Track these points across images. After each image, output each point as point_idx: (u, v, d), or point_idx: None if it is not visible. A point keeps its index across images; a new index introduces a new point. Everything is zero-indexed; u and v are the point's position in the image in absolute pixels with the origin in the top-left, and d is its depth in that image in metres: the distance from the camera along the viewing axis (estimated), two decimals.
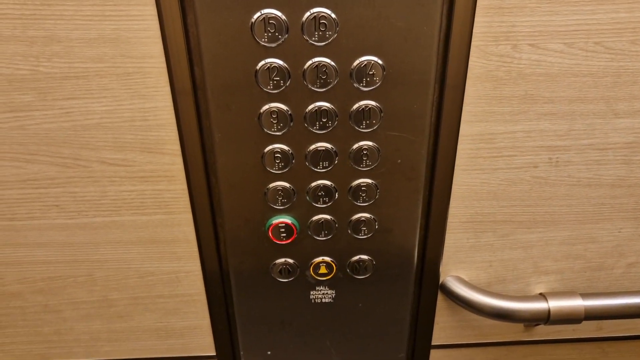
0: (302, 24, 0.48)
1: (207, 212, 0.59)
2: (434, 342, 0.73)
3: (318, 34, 0.48)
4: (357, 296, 0.67)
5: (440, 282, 0.67)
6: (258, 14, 0.47)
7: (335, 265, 0.64)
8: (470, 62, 0.52)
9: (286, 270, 0.64)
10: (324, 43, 0.49)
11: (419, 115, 0.53)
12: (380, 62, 0.50)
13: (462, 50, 0.51)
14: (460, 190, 0.60)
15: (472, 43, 0.51)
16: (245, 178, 0.57)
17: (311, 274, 0.64)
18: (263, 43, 0.48)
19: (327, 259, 0.63)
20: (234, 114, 0.53)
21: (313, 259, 0.63)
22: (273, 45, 0.49)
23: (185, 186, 0.57)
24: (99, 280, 0.65)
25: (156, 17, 0.48)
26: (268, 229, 0.60)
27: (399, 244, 0.62)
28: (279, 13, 0.47)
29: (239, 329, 0.69)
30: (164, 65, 0.51)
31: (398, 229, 0.61)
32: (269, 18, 0.47)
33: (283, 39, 0.48)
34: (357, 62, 0.50)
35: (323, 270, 0.64)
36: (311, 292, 0.66)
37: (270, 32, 0.48)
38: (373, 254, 0.63)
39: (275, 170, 0.56)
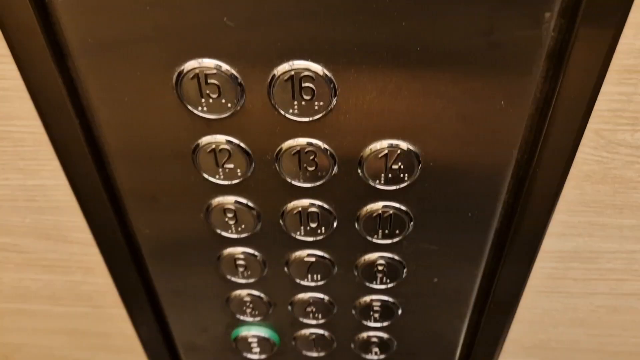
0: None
1: (147, 312, 0.40)
2: None
3: (300, 106, 0.26)
4: None
5: None
6: (184, 66, 0.25)
7: None
8: (578, 154, 0.28)
9: None
10: (316, 117, 0.26)
11: (476, 225, 0.31)
12: (413, 149, 0.27)
13: (568, 135, 0.27)
14: (530, 314, 0.38)
15: (589, 125, 0.27)
16: (194, 285, 0.37)
17: None
18: (201, 108, 0.26)
19: None
20: (163, 207, 0.32)
21: None
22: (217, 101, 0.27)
23: (109, 279, 0.38)
24: None
25: (11, 59, 0.26)
26: (235, 339, 0.41)
27: None
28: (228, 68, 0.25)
29: None
30: (42, 129, 0.29)
31: (427, 353, 0.41)
32: (205, 71, 0.25)
33: (238, 106, 0.26)
34: (368, 149, 0.28)
35: None
36: None
37: (212, 89, 0.26)
38: None
39: (239, 279, 0.36)
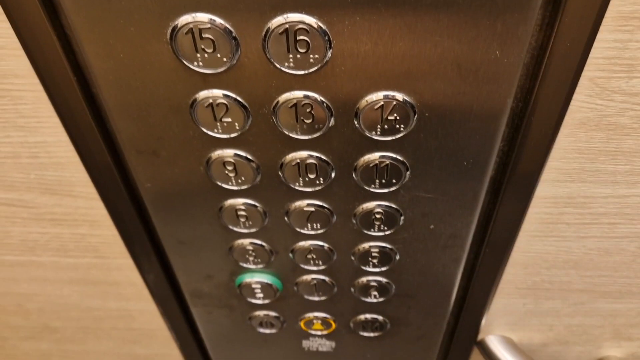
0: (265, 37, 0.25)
1: (153, 261, 0.41)
2: None
3: (295, 59, 0.26)
4: (365, 350, 0.50)
5: (479, 339, 0.49)
6: (178, 21, 0.25)
7: (335, 323, 0.47)
8: (573, 102, 0.28)
9: (268, 324, 0.47)
10: (312, 70, 0.27)
11: (471, 173, 0.32)
12: (408, 100, 0.28)
13: (563, 83, 0.28)
14: (524, 258, 0.39)
15: (584, 73, 0.27)
16: (198, 235, 0.38)
17: (302, 328, 0.48)
18: (197, 63, 0.27)
19: (323, 315, 0.46)
20: (164, 161, 0.32)
21: (303, 314, 0.46)
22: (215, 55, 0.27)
23: (115, 231, 0.39)
24: (33, 311, 0.50)
25: (4, 17, 0.26)
26: (239, 285, 0.42)
27: (425, 309, 0.44)
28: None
29: None
30: (40, 87, 0.30)
31: (424, 296, 0.42)
32: (199, 25, 0.25)
33: (234, 60, 0.26)
34: (364, 101, 0.28)
35: (318, 326, 0.47)
36: (303, 341, 0.50)
37: (207, 44, 0.26)
38: (387, 316, 0.45)
39: (240, 228, 0.37)
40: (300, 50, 0.26)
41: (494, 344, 0.49)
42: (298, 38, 0.25)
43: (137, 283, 0.45)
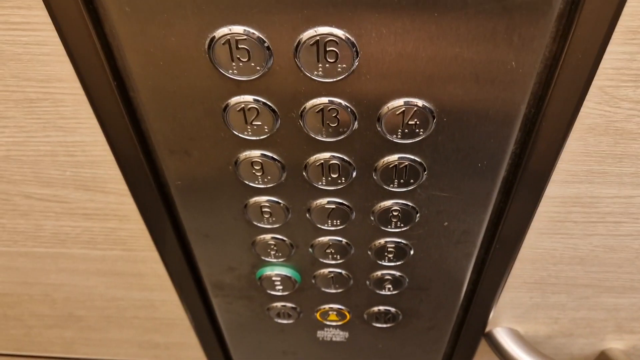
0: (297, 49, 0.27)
1: (178, 254, 0.44)
2: None
3: (324, 68, 0.28)
4: (377, 340, 0.53)
5: (486, 330, 0.52)
6: (215, 33, 0.27)
7: (350, 314, 0.49)
8: (583, 109, 0.30)
9: (285, 314, 0.49)
10: (339, 78, 0.28)
11: (485, 174, 0.34)
12: (428, 106, 0.30)
13: (574, 91, 0.29)
14: (533, 254, 0.41)
15: (594, 82, 0.29)
16: (223, 230, 0.40)
17: (318, 319, 0.50)
18: (232, 71, 0.29)
19: (339, 307, 0.48)
20: (195, 161, 0.34)
21: (319, 306, 0.48)
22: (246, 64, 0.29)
23: (142, 225, 0.41)
24: (59, 300, 0.52)
25: (51, 26, 0.28)
26: (260, 277, 0.45)
27: (436, 301, 0.46)
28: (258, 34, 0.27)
29: (234, 357, 0.57)
30: (81, 91, 0.32)
31: (436, 289, 0.44)
32: (236, 37, 0.27)
33: (266, 68, 0.28)
34: (387, 106, 0.30)
35: (333, 317, 0.49)
36: (318, 332, 0.52)
37: (242, 53, 0.28)
38: (400, 308, 0.47)
39: (264, 224, 0.39)
40: (330, 60, 0.28)
41: (501, 335, 0.51)
42: (328, 49, 0.27)
43: (161, 274, 0.47)
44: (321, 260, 0.42)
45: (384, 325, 0.50)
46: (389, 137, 0.32)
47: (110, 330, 0.57)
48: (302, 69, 0.28)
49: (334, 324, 0.50)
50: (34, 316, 0.56)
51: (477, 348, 0.54)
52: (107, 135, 0.34)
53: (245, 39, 0.27)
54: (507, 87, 0.29)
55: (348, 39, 0.27)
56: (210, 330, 0.54)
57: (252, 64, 0.28)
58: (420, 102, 0.30)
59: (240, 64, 0.28)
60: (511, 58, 0.27)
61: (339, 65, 0.28)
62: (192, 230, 0.41)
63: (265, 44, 0.27)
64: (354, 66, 0.28)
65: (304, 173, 0.35)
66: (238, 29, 0.27)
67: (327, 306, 0.48)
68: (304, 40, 0.27)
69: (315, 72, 0.28)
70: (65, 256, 0.46)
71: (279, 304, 0.48)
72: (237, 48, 0.28)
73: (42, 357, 0.64)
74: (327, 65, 0.28)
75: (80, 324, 0.56)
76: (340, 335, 0.53)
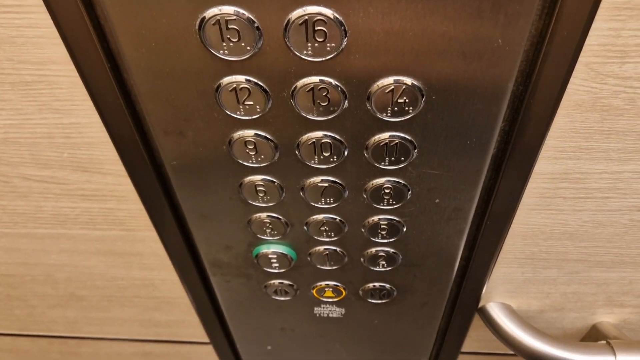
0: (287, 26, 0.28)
1: (176, 233, 0.44)
2: (463, 349, 0.61)
3: (313, 47, 0.28)
4: (372, 315, 0.54)
5: (480, 305, 0.53)
6: (205, 13, 0.27)
7: (345, 290, 0.50)
8: (570, 85, 0.31)
9: (282, 291, 0.50)
10: (328, 57, 0.29)
11: (475, 151, 0.34)
12: (417, 84, 0.30)
13: (561, 68, 0.30)
14: (523, 229, 0.42)
15: (580, 59, 0.29)
16: (219, 209, 0.41)
17: (314, 295, 0.51)
18: (223, 52, 0.29)
19: (334, 283, 0.49)
20: (190, 141, 0.35)
21: (315, 282, 0.49)
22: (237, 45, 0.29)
23: (141, 206, 0.42)
24: (61, 280, 0.53)
25: (44, 8, 0.29)
26: (256, 256, 0.45)
27: (429, 277, 0.47)
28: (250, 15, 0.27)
29: (233, 334, 0.59)
30: (76, 73, 0.32)
31: (429, 265, 0.45)
32: (226, 17, 0.27)
33: (256, 49, 0.29)
34: (376, 85, 0.30)
35: (329, 294, 0.50)
36: (315, 308, 0.53)
37: (232, 34, 0.28)
38: (395, 284, 0.48)
39: (259, 203, 0.40)
40: (318, 39, 0.28)
41: (494, 310, 0.52)
42: (316, 28, 0.28)
43: (160, 254, 0.48)
44: (316, 238, 0.43)
45: (379, 301, 0.51)
46: (379, 115, 0.32)
47: (112, 310, 0.58)
48: (292, 48, 0.29)
49: (330, 300, 0.51)
50: (37, 296, 0.57)
51: (470, 323, 0.55)
52: (102, 116, 0.35)
53: (235, 19, 0.27)
54: (494, 65, 0.29)
55: (336, 18, 0.27)
56: (209, 307, 0.55)
57: (243, 44, 0.29)
58: (409, 80, 0.30)
59: (231, 44, 0.29)
60: (497, 36, 0.28)
61: (328, 45, 0.28)
62: (189, 210, 0.42)
63: (255, 24, 0.28)
64: (343, 45, 0.28)
65: (296, 152, 0.35)
66: (228, 9, 0.27)
67: (323, 283, 0.49)
68: (292, 19, 0.27)
69: (305, 52, 0.29)
70: (66, 237, 0.47)
71: (276, 282, 0.49)
72: (227, 28, 0.28)
73: (46, 336, 0.65)
74: (317, 44, 0.28)
75: (82, 303, 0.57)
76: (336, 312, 0.54)
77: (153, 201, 0.42)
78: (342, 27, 0.28)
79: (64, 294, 0.56)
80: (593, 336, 0.55)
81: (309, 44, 0.28)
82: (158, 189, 0.40)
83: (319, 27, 0.28)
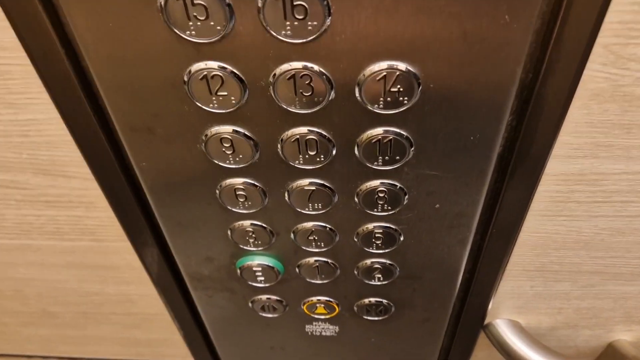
0: None
1: (152, 244, 0.40)
2: None
3: (292, 27, 0.25)
4: (369, 333, 0.49)
5: (486, 322, 0.48)
6: None
7: (339, 306, 0.46)
8: (586, 71, 0.27)
9: (270, 307, 0.46)
10: (310, 39, 0.25)
11: (478, 149, 0.30)
12: (412, 70, 0.26)
13: (576, 51, 0.26)
14: (533, 238, 0.38)
15: (598, 39, 0.26)
16: (196, 217, 0.37)
17: (305, 312, 0.47)
18: (189, 32, 0.25)
19: (326, 299, 0.45)
20: (160, 139, 0.31)
21: (306, 298, 0.45)
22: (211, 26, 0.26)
23: (111, 213, 0.38)
24: (31, 296, 0.49)
25: None
26: (240, 268, 0.41)
27: (430, 291, 0.43)
28: None
29: (219, 353, 0.54)
30: (28, 61, 0.28)
31: (430, 278, 0.41)
32: None
33: (228, 29, 0.25)
34: (366, 71, 0.27)
35: (321, 310, 0.46)
36: (306, 326, 0.49)
37: (199, 10, 0.25)
38: (392, 299, 0.44)
39: (240, 209, 0.36)
40: (298, 16, 0.24)
41: (501, 327, 0.48)
42: (295, 3, 0.24)
43: (136, 266, 0.44)
44: (304, 248, 0.39)
45: (376, 318, 0.47)
46: (369, 107, 0.28)
47: (87, 327, 0.54)
48: (268, 28, 0.25)
49: (322, 317, 0.47)
50: (8, 313, 0.53)
51: (476, 341, 0.51)
52: (61, 112, 0.31)
53: None
54: (500, 47, 0.26)
55: None
56: (192, 325, 0.51)
57: (212, 23, 0.25)
58: (403, 66, 0.26)
59: (198, 23, 0.25)
60: (504, 11, 0.24)
61: (309, 23, 0.25)
62: (164, 217, 0.38)
63: (225, 0, 0.24)
64: (326, 24, 0.25)
65: (279, 150, 0.31)
66: None
67: (314, 298, 0.45)
68: None
69: (283, 32, 0.25)
70: (32, 248, 0.43)
71: (263, 297, 0.45)
72: (193, 4, 0.24)
73: (20, 356, 0.61)
74: (296, 23, 0.25)
75: (55, 320, 0.53)
76: (330, 329, 0.49)
77: (124, 208, 0.38)
78: (325, 2, 0.24)
79: (36, 311, 0.52)
80: (609, 355, 0.50)
81: (288, 22, 0.25)
82: (129, 194, 0.37)
83: (298, 2, 0.24)
